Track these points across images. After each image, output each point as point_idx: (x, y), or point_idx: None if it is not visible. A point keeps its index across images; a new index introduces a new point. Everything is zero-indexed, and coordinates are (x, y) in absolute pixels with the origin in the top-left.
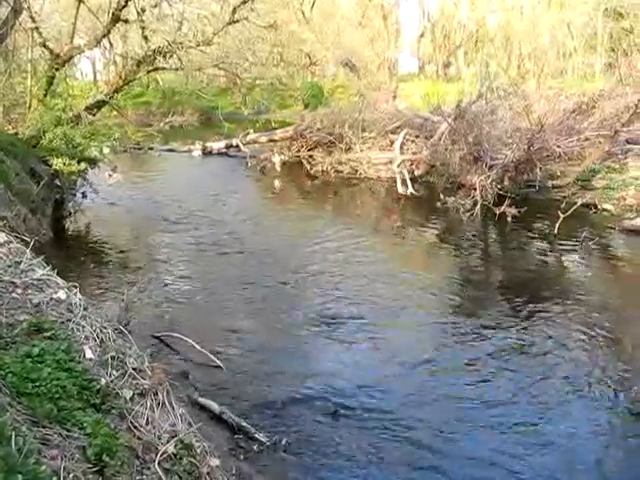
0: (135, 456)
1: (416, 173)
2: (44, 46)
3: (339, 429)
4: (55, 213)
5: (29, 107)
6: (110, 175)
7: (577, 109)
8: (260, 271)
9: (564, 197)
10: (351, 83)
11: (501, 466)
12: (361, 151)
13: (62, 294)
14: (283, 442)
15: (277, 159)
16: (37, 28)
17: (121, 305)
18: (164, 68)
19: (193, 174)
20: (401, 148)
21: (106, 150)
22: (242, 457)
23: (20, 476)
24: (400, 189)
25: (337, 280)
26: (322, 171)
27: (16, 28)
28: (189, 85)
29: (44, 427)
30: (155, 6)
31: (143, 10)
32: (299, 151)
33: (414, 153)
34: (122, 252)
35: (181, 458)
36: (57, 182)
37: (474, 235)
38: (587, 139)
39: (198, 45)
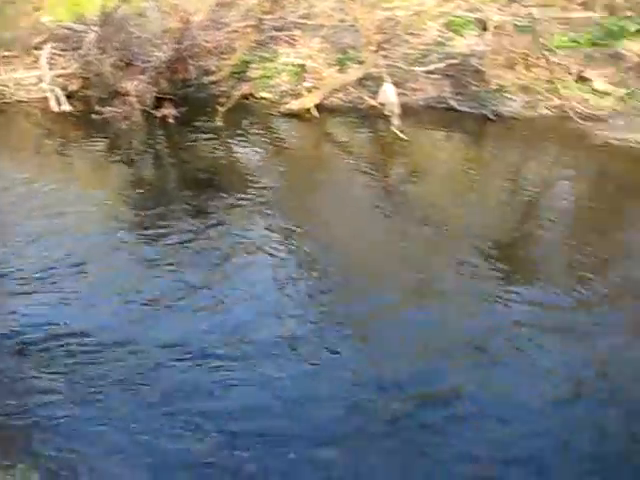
0: None
1: (71, 88)
2: None
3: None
4: None
5: None
6: None
7: (220, 2)
8: None
9: (223, 92)
10: None
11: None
12: (5, 73)
13: None
14: None
15: None
16: None
17: None
18: None
19: None
20: (49, 64)
21: None
22: None
23: None
24: (55, 107)
25: None
26: None
27: None
28: None
29: None
30: None
31: None
32: None
33: (63, 68)
34: None
35: None
36: None
37: (140, 142)
38: (235, 31)
39: None
